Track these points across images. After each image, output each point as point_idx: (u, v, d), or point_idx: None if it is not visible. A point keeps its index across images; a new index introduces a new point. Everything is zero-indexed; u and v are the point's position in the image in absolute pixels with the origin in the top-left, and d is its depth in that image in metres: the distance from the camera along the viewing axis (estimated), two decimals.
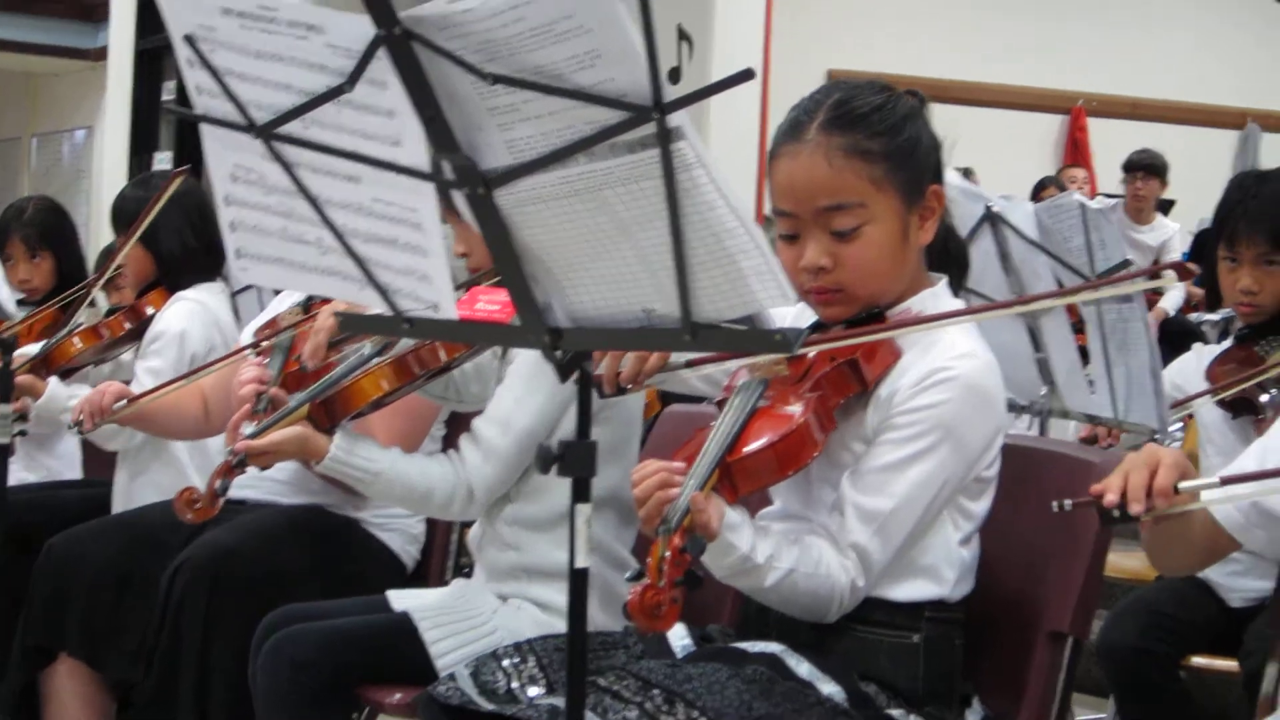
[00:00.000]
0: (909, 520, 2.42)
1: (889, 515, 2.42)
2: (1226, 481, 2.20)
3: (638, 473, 2.29)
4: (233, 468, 3.07)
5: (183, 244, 4.47)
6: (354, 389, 3.07)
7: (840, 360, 2.43)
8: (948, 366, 2.42)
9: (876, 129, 2.47)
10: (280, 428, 3.06)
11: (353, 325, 2.32)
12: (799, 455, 2.36)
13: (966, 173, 10.15)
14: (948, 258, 2.68)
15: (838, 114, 2.48)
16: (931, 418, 2.42)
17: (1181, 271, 2.10)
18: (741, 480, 2.34)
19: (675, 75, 1.72)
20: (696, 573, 2.13)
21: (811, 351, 2.43)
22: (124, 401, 3.92)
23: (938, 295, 2.58)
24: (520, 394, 3.14)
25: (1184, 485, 2.14)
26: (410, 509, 3.64)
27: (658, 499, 2.24)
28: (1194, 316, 8.49)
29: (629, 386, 2.54)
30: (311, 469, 3.15)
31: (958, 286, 2.70)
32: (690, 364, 2.54)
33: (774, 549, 2.39)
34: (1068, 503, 2.17)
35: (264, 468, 3.16)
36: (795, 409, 2.37)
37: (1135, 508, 2.11)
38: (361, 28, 1.81)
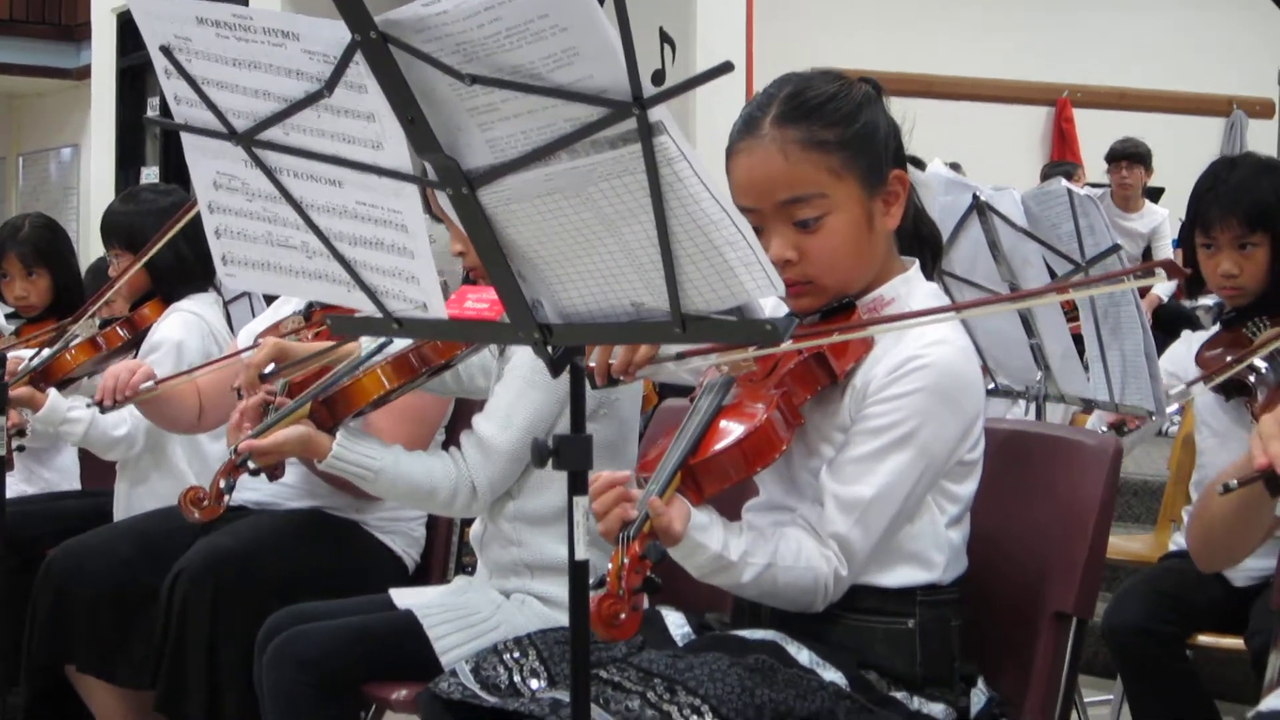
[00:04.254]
0: (889, 508, 2.42)
1: (869, 504, 2.41)
2: None
3: (594, 488, 2.25)
4: (236, 466, 3.08)
5: (176, 255, 4.48)
6: (355, 388, 3.07)
7: (807, 354, 2.43)
8: (921, 354, 2.42)
9: (831, 118, 2.46)
10: (282, 427, 3.06)
11: (344, 327, 2.32)
12: (763, 453, 2.35)
13: (954, 167, 10.18)
14: (920, 241, 2.68)
15: (791, 106, 2.47)
16: (906, 406, 2.41)
17: (1171, 269, 2.08)
18: (706, 480, 2.34)
19: (659, 77, 1.71)
20: (654, 578, 2.12)
21: (780, 350, 2.42)
22: (150, 383, 3.93)
23: (910, 280, 2.57)
24: (519, 390, 3.14)
25: None
26: (414, 507, 3.64)
27: (615, 515, 2.23)
28: (1186, 303, 8.50)
29: (621, 378, 2.54)
30: (314, 468, 3.15)
31: (931, 269, 2.69)
32: (681, 355, 2.54)
33: (749, 545, 2.39)
34: (1233, 482, 2.10)
35: (271, 470, 3.15)
36: (760, 406, 2.37)
37: None
38: (337, 32, 1.81)
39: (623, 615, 2.04)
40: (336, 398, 3.08)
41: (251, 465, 3.08)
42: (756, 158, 2.47)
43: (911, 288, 2.56)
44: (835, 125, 2.45)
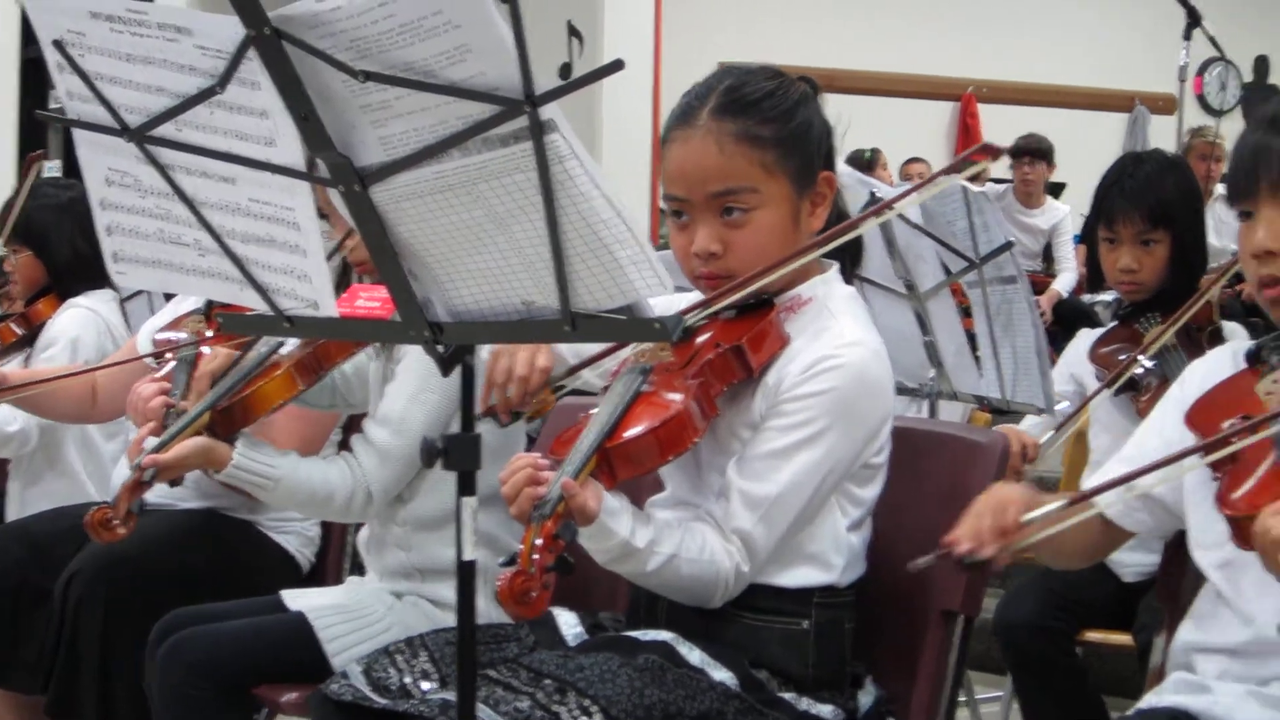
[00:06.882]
0: (794, 506, 2.43)
1: (774, 501, 2.42)
2: (1073, 502, 2.27)
3: (506, 469, 2.30)
4: (142, 483, 3.00)
5: (74, 251, 4.47)
6: (258, 396, 3.03)
7: (725, 347, 2.44)
8: (836, 354, 2.43)
9: (768, 115, 2.48)
10: (183, 439, 3.01)
11: (235, 325, 2.32)
12: (679, 441, 2.36)
13: (873, 153, 10.22)
14: (841, 245, 2.70)
15: (729, 100, 2.49)
16: (819, 405, 2.42)
17: (992, 152, 2.10)
18: (620, 465, 2.35)
19: (567, 71, 1.73)
20: (568, 558, 2.13)
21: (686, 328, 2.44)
22: None
23: (829, 281, 2.58)
24: (413, 393, 3.11)
25: (1029, 516, 2.20)
26: (309, 514, 3.61)
27: (526, 495, 2.24)
28: (1086, 298, 8.60)
29: (523, 410, 2.55)
30: (210, 477, 3.12)
31: (850, 274, 2.71)
32: (571, 371, 2.56)
33: (655, 534, 2.40)
34: (922, 561, 2.22)
35: (173, 483, 3.12)
36: (677, 395, 2.38)
37: (986, 551, 2.17)
38: (231, 29, 1.81)
39: (534, 593, 2.05)
40: (237, 407, 3.03)
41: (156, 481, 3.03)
42: (691, 148, 2.49)
43: (830, 289, 2.57)
44: (771, 121, 2.48)
